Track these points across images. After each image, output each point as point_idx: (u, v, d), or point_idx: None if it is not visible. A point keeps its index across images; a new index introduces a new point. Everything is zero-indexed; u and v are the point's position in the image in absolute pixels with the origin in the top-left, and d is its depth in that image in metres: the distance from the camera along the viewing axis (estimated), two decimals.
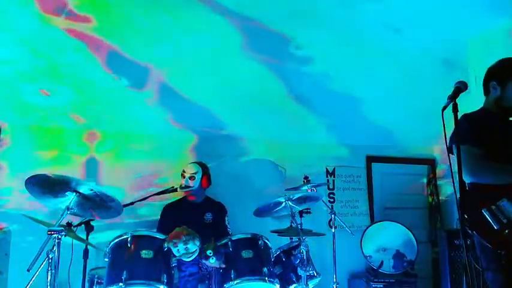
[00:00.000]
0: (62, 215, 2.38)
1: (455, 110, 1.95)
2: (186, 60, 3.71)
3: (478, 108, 2.42)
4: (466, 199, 2.09)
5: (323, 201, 3.88)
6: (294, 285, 3.04)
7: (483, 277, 2.13)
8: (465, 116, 2.33)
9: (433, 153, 4.96)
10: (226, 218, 3.70)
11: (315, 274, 3.16)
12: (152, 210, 3.91)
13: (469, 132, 2.23)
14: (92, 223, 3.13)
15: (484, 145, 2.19)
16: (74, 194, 2.47)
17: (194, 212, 3.62)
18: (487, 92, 2.40)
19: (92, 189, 2.49)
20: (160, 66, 3.69)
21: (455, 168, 2.02)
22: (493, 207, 2.08)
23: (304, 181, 3.85)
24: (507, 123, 2.34)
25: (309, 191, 3.71)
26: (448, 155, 2.21)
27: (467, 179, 2.17)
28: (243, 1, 3.20)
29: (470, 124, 2.27)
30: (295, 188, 3.76)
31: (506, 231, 2.03)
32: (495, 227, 2.05)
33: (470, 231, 2.13)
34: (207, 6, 3.19)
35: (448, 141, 2.28)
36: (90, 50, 3.44)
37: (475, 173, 2.15)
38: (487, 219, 2.07)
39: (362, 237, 4.12)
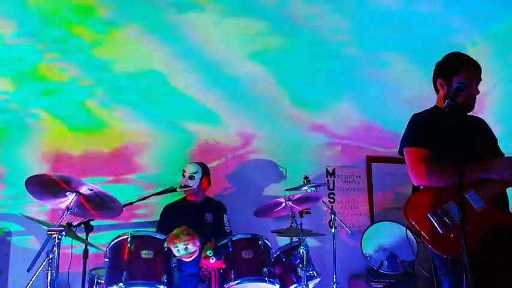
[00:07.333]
0: (62, 215, 2.39)
1: (455, 110, 1.91)
2: (187, 59, 3.71)
3: (430, 107, 2.31)
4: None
5: (323, 201, 3.88)
6: (294, 285, 3.03)
7: (437, 281, 2.06)
8: (414, 116, 2.27)
9: None
10: (225, 216, 3.69)
11: (315, 274, 3.15)
12: (152, 210, 3.91)
13: (416, 134, 2.18)
14: (91, 223, 3.12)
15: (432, 146, 2.09)
16: (74, 194, 2.47)
17: (194, 212, 3.61)
18: (436, 89, 2.31)
19: (91, 189, 2.49)
20: (160, 65, 3.69)
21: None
22: (439, 210, 1.98)
23: (304, 181, 3.84)
24: (456, 121, 2.19)
25: (309, 191, 3.71)
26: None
27: (414, 182, 2.12)
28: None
29: (417, 125, 2.21)
30: (295, 188, 3.76)
31: (452, 235, 1.92)
32: (440, 232, 1.95)
33: (417, 237, 2.06)
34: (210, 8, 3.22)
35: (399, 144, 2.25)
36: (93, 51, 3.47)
37: (423, 176, 2.07)
38: (433, 223, 1.98)
39: (362, 237, 4.10)
